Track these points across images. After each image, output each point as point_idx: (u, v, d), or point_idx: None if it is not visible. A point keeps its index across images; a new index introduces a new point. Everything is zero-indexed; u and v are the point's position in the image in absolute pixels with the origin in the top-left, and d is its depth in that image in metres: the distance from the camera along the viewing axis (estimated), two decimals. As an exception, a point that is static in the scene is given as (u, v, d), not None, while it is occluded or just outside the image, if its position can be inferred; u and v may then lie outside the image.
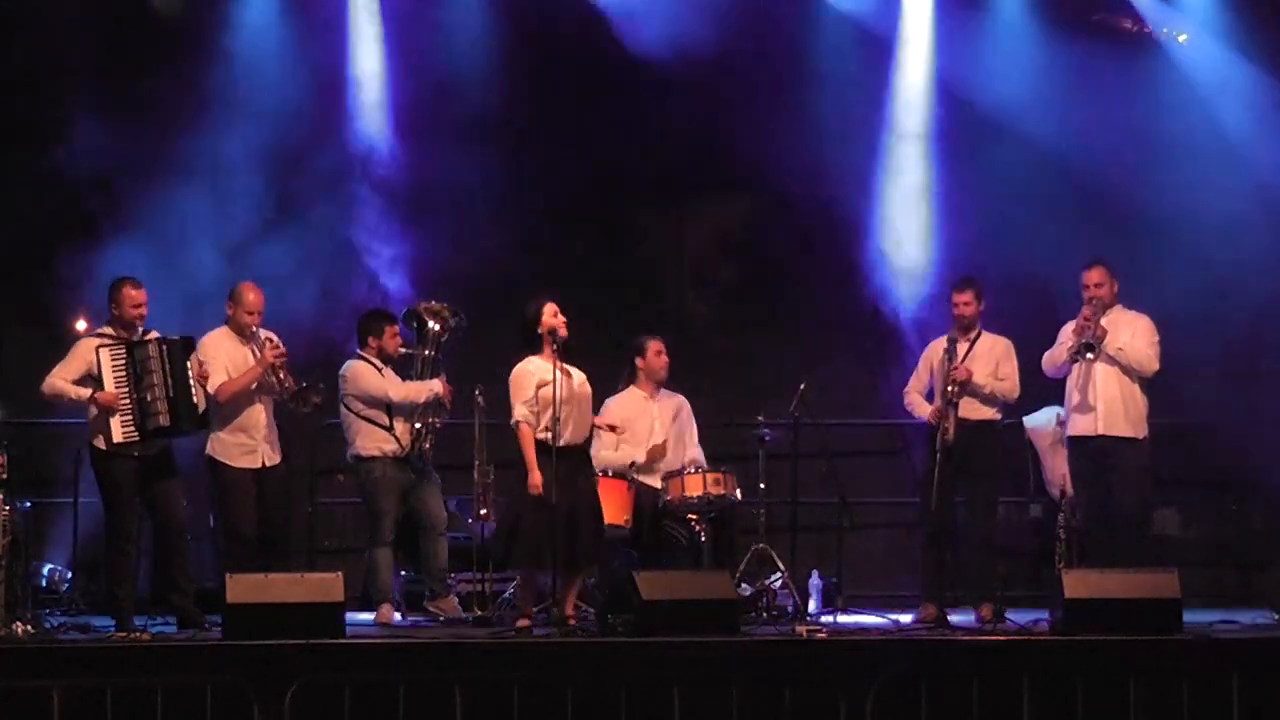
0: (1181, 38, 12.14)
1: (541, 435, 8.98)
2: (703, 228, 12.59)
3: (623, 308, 11.89)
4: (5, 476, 8.90)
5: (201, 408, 9.31)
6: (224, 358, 9.51)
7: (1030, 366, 10.13)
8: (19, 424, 10.17)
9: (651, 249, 12.52)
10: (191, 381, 9.24)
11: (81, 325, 10.63)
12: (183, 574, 9.29)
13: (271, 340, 9.56)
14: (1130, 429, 9.81)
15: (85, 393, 9.13)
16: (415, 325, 10.23)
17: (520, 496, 9.02)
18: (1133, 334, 9.84)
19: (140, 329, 9.31)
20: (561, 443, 8.97)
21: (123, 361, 9.15)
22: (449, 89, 11.72)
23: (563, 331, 9.03)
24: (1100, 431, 9.81)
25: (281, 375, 9.55)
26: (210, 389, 9.39)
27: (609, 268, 12.18)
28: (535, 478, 8.87)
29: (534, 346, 9.11)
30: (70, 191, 11.31)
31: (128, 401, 9.12)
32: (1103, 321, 9.80)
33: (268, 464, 9.63)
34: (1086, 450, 9.87)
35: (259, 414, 9.59)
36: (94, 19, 11.48)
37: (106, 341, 9.21)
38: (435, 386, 10.06)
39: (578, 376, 9.12)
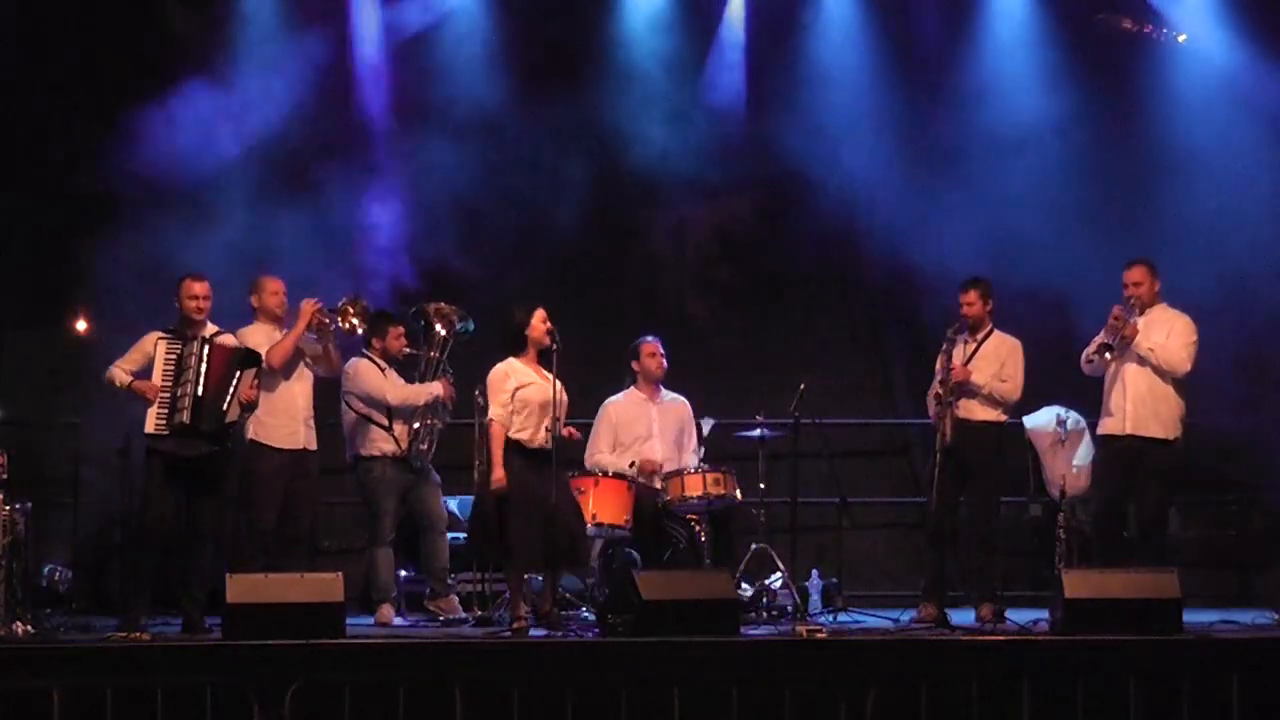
0: (1181, 38, 12.15)
1: (515, 435, 9.05)
2: (703, 228, 12.60)
3: (623, 308, 11.89)
4: (5, 476, 8.90)
5: (229, 418, 9.23)
6: (267, 341, 9.56)
7: (1039, 369, 10.10)
8: (19, 424, 10.17)
9: (651, 249, 12.52)
10: (231, 390, 9.21)
11: (82, 326, 10.64)
12: (196, 581, 9.29)
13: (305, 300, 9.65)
14: (1160, 430, 9.73)
15: (126, 379, 9.16)
16: (422, 324, 10.22)
17: (488, 495, 9.09)
18: (1168, 333, 9.76)
19: (202, 322, 9.33)
20: (536, 445, 9.04)
21: (175, 356, 9.18)
22: (447, 85, 11.74)
23: (546, 340, 9.07)
24: (1128, 431, 9.75)
25: (326, 320, 9.63)
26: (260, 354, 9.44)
27: (609, 268, 12.18)
28: (499, 473, 8.95)
29: (516, 349, 9.15)
30: (71, 192, 11.31)
31: (167, 395, 9.15)
32: (1141, 320, 9.77)
33: (307, 447, 9.67)
34: (1114, 449, 9.83)
35: (295, 395, 9.62)
36: (94, 20, 11.50)
37: (167, 335, 9.25)
38: (435, 389, 10.06)
39: (556, 383, 9.13)
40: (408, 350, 10.18)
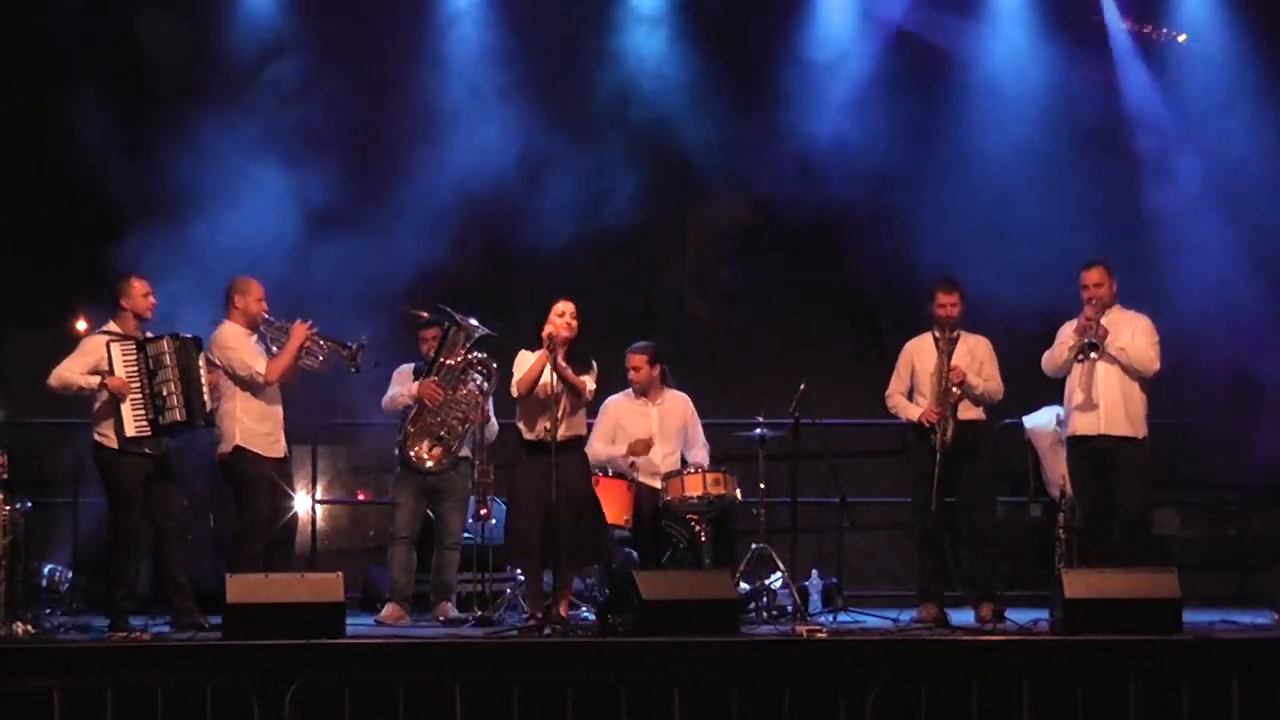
0: (1181, 38, 12.16)
1: (529, 437, 9.09)
2: (703, 228, 12.60)
3: (623, 308, 11.89)
4: (5, 476, 8.91)
5: (209, 406, 9.36)
6: (250, 348, 9.57)
7: (1026, 367, 10.11)
8: (19, 424, 10.18)
9: (651, 249, 12.52)
10: (202, 379, 9.31)
11: (82, 325, 10.64)
12: (182, 574, 9.32)
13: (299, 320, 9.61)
14: (1131, 428, 9.78)
15: (95, 380, 9.16)
16: (445, 329, 10.09)
17: (511, 494, 9.15)
18: (1133, 333, 9.81)
19: (148, 321, 9.36)
20: (534, 437, 9.08)
21: (134, 357, 9.20)
22: (447, 81, 11.75)
23: (564, 332, 9.05)
24: (1101, 431, 9.78)
25: (324, 343, 9.61)
26: (259, 369, 9.45)
27: (609, 268, 12.18)
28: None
29: (538, 341, 9.14)
30: (71, 191, 11.31)
31: (139, 395, 9.15)
32: (1103, 321, 9.79)
33: (286, 454, 9.71)
34: (1087, 450, 9.84)
35: (279, 405, 9.64)
36: (94, 12, 11.50)
37: (115, 337, 9.24)
38: (411, 390, 10.03)
39: (556, 383, 9.10)
40: (432, 355, 10.16)
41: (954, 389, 9.78)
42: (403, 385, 10.16)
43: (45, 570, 10.49)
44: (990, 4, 12.26)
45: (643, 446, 10.16)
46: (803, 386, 10.34)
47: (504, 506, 9.64)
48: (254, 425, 9.53)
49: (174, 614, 9.24)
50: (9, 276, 11.26)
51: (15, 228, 11.34)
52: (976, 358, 9.98)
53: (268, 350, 9.62)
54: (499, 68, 11.83)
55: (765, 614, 9.91)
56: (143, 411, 9.17)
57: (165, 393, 9.18)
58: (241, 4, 11.70)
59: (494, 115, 11.66)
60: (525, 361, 9.12)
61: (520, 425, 9.17)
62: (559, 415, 9.01)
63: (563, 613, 9.04)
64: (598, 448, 10.22)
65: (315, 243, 11.08)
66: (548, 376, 9.02)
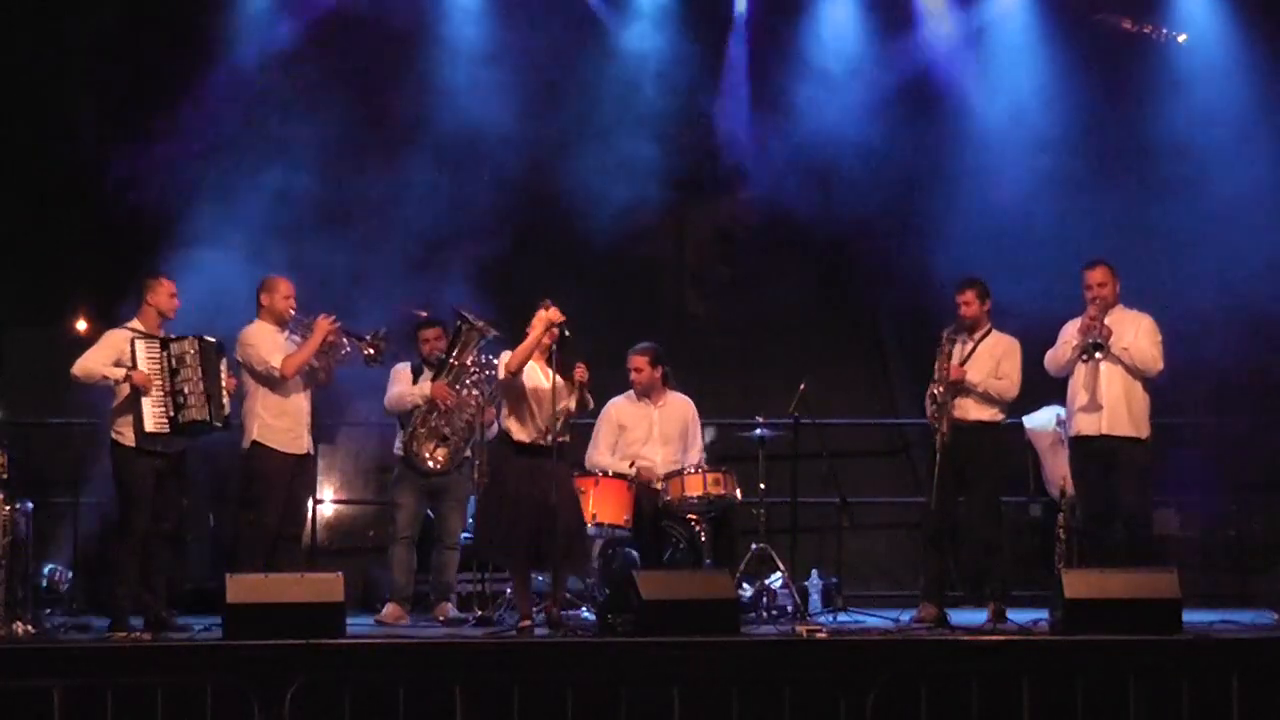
0: (1181, 38, 12.16)
1: (519, 438, 9.07)
2: (703, 228, 12.60)
3: (623, 308, 11.89)
4: (5, 476, 8.91)
5: (226, 410, 9.38)
6: (273, 344, 9.57)
7: (1036, 366, 10.11)
8: (19, 424, 10.18)
9: (651, 249, 12.52)
10: (223, 383, 9.33)
11: (82, 326, 10.65)
12: (158, 575, 9.31)
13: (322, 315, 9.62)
14: (1134, 428, 9.77)
15: (120, 372, 9.17)
16: (457, 327, 10.08)
17: (488, 494, 9.16)
18: (1136, 333, 9.79)
19: (169, 322, 9.40)
20: (529, 439, 9.06)
21: (157, 354, 9.21)
22: (446, 79, 11.77)
23: (545, 339, 9.05)
24: (1104, 431, 9.76)
25: (345, 340, 9.62)
26: (274, 364, 9.46)
27: (609, 268, 12.18)
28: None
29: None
30: (73, 191, 11.32)
31: (161, 392, 9.16)
32: (1106, 321, 9.77)
33: (309, 451, 9.72)
34: (1090, 450, 9.82)
35: (303, 401, 9.65)
36: (98, 15, 11.52)
37: (139, 334, 9.25)
38: (422, 390, 10.03)
39: (556, 379, 9.11)
40: (438, 354, 10.14)
41: (935, 389, 9.78)
42: (403, 385, 10.15)
43: (45, 570, 10.49)
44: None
45: (647, 474, 10.14)
46: (803, 386, 10.33)
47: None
48: (272, 421, 9.54)
49: (143, 614, 9.23)
50: (9, 276, 11.26)
51: (16, 228, 11.33)
52: (993, 357, 9.94)
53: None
54: (499, 65, 11.82)
55: (765, 614, 9.91)
56: (163, 408, 9.18)
57: (186, 391, 9.20)
58: (243, 3, 11.72)
59: (493, 114, 11.65)
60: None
61: (509, 426, 9.15)
62: (557, 418, 9.02)
63: (556, 610, 9.04)
64: (600, 456, 10.21)
65: (315, 242, 11.09)
66: (545, 382, 9.02)
